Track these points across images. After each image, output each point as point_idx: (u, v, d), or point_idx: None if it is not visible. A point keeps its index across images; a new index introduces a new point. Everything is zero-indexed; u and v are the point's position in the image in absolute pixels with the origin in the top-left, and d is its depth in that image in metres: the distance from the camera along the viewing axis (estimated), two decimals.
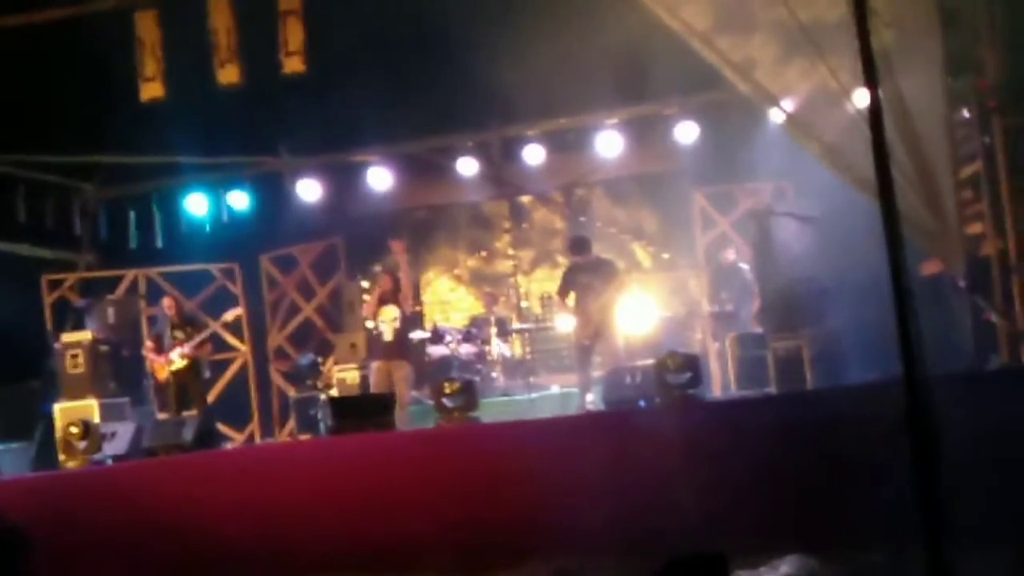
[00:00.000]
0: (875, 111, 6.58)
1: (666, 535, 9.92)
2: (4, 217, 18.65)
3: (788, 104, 11.76)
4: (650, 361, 13.34)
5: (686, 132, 17.90)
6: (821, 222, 14.58)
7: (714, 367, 17.55)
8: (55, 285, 19.51)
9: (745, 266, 17.34)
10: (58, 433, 14.97)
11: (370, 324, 16.24)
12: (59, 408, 16.12)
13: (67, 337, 16.97)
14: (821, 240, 14.52)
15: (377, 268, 19.54)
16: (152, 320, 18.49)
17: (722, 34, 11.63)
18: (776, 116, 12.56)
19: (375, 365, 15.34)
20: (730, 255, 17.77)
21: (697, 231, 18.80)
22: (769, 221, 14.82)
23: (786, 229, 14.68)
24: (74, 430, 13.93)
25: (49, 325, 18.94)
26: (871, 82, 6.67)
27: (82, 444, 13.85)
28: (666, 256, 20.38)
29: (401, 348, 15.32)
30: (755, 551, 9.88)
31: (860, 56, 6.74)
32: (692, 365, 12.57)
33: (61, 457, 14.20)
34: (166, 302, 16.70)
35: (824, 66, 10.80)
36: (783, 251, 14.58)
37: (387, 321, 15.25)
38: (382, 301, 15.38)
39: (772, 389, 14.14)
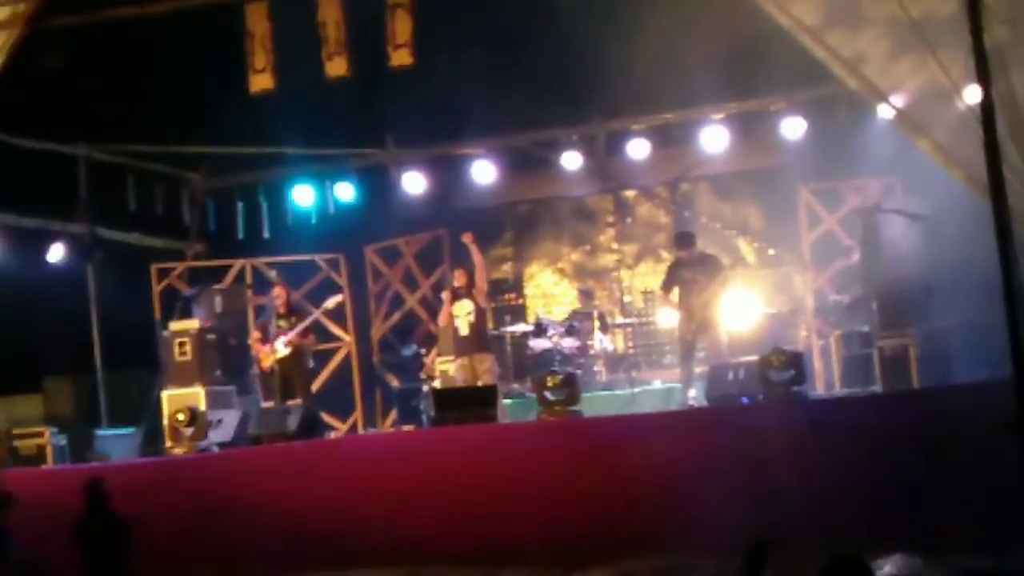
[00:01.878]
0: (987, 108, 6.52)
1: (767, 531, 9.86)
2: (115, 206, 18.95)
3: (898, 100, 11.64)
4: (753, 358, 13.28)
5: (793, 127, 17.72)
6: (929, 220, 14.41)
7: (818, 365, 17.39)
8: (164, 274, 19.76)
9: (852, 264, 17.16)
10: (165, 420, 15.19)
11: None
12: (166, 395, 16.33)
13: (175, 325, 17.16)
14: (929, 238, 14.35)
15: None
16: (259, 309, 18.67)
17: (832, 29, 11.54)
18: (885, 112, 12.45)
19: (458, 362, 15.34)
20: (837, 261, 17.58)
21: (803, 227, 18.61)
22: (877, 218, 14.67)
23: (894, 227, 14.51)
24: (181, 417, 14.13)
25: (157, 313, 19.19)
26: (983, 79, 6.61)
27: (188, 431, 14.04)
28: (771, 252, 20.21)
29: (480, 341, 15.28)
30: (859, 550, 9.79)
31: (972, 52, 6.66)
32: (796, 362, 12.50)
33: (168, 443, 14.41)
34: (276, 291, 16.86)
35: (935, 62, 10.68)
36: (891, 249, 14.42)
37: (462, 316, 15.19)
38: (456, 296, 15.35)
39: (877, 388, 13.99)
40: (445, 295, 15.68)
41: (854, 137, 16.49)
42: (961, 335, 13.46)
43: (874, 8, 11.42)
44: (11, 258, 17.61)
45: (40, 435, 14.92)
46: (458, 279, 15.47)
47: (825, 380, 16.95)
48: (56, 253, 18.46)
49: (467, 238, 15.52)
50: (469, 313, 15.11)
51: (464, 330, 15.15)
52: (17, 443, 14.55)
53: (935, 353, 13.54)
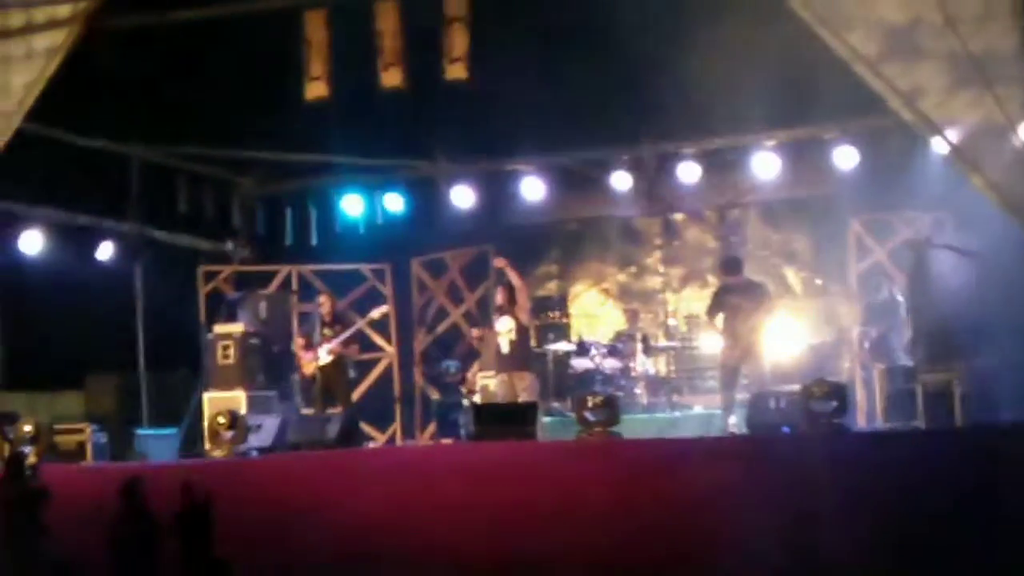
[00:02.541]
0: None
1: (804, 565, 9.81)
2: (165, 207, 19.07)
3: (952, 134, 11.55)
4: (796, 387, 13.20)
5: (845, 157, 17.65)
6: (980, 256, 14.29)
7: (860, 397, 17.29)
8: (211, 276, 19.87)
9: (900, 297, 17.04)
10: (206, 422, 15.24)
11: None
12: (208, 398, 16.42)
13: (219, 328, 17.25)
14: (979, 275, 14.23)
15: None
16: (303, 317, 18.73)
17: (889, 61, 11.46)
18: (939, 146, 12.36)
19: (498, 378, 15.33)
20: (883, 291, 17.42)
21: (851, 258, 18.53)
22: (927, 252, 14.56)
23: (944, 261, 14.40)
24: (221, 420, 14.17)
25: (202, 316, 19.28)
26: None
27: (228, 434, 14.09)
28: (818, 282, 20.10)
29: (520, 359, 15.24)
30: None
31: None
32: (838, 394, 12.43)
33: (207, 446, 14.45)
34: (321, 299, 16.91)
35: (992, 98, 10.61)
36: (939, 283, 14.30)
37: (503, 333, 15.19)
38: (500, 312, 15.36)
39: (920, 423, 13.89)
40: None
41: (906, 170, 16.41)
42: (1007, 374, 13.34)
43: (933, 41, 11.35)
44: (61, 255, 17.75)
45: (81, 432, 14.99)
46: (499, 297, 15.47)
47: (867, 413, 16.84)
48: (105, 251, 18.59)
49: (500, 263, 15.54)
50: (510, 331, 15.09)
51: (504, 347, 15.14)
52: (58, 439, 14.62)
53: (980, 391, 13.40)
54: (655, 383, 18.66)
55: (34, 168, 16.39)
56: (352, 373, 17.18)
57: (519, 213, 20.16)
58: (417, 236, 20.37)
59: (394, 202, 19.66)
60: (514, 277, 15.33)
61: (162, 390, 18.80)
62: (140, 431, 17.13)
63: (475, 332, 17.58)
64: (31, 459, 13.05)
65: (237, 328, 17.11)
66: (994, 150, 11.10)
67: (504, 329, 15.15)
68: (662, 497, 10.81)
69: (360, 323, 17.25)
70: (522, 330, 15.22)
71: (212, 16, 14.37)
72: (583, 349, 18.32)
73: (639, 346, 18.35)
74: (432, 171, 19.76)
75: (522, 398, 14.71)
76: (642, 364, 18.36)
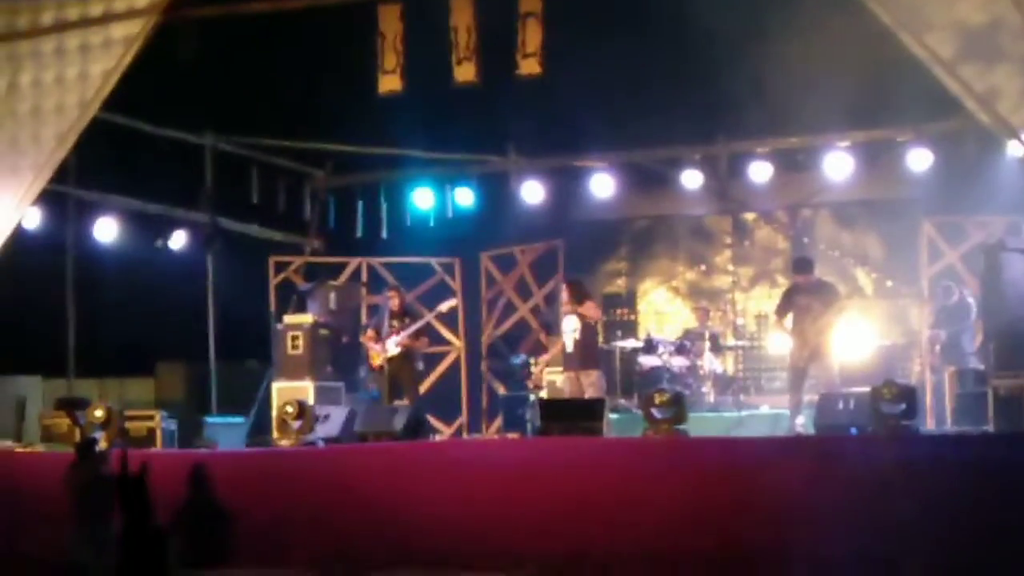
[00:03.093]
0: None
1: (871, 568, 9.76)
2: (238, 198, 19.23)
3: None
4: (865, 389, 13.11)
5: (919, 159, 17.52)
6: None
7: (930, 400, 17.16)
8: (281, 267, 20.02)
9: (972, 300, 16.91)
10: (274, 411, 15.34)
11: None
12: (277, 387, 16.54)
13: (289, 319, 17.38)
14: None
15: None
16: (372, 309, 18.81)
17: (966, 63, 11.36)
18: (1015, 149, 12.26)
19: (566, 375, 15.38)
20: (954, 295, 17.28)
21: (923, 261, 18.42)
22: (1000, 256, 14.41)
23: (1017, 266, 14.25)
24: (290, 410, 14.24)
25: (272, 306, 19.42)
26: None
27: (296, 424, 14.14)
28: (889, 284, 19.98)
29: (585, 358, 15.22)
30: None
31: None
32: (908, 396, 12.33)
33: (275, 435, 14.54)
34: (391, 292, 16.99)
35: None
36: (1013, 288, 14.16)
37: (568, 332, 15.22)
38: (565, 311, 15.39)
39: (990, 428, 13.77)
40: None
41: (981, 172, 16.29)
42: None
43: (1011, 43, 11.24)
44: (134, 243, 17.95)
45: (151, 418, 15.12)
46: (564, 295, 15.49)
47: (936, 416, 16.72)
48: (178, 240, 18.77)
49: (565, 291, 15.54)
50: (575, 330, 15.11)
51: (569, 346, 15.17)
52: (128, 424, 14.76)
53: None
54: (723, 382, 18.62)
55: (109, 157, 16.58)
56: (420, 366, 17.23)
57: (589, 209, 20.16)
58: (487, 230, 20.41)
59: (464, 196, 19.68)
60: (577, 307, 15.33)
61: (231, 379, 18.97)
62: (209, 419, 17.26)
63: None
64: (102, 444, 13.20)
65: (306, 319, 17.23)
66: None
67: (569, 328, 15.18)
68: (728, 496, 10.78)
69: (428, 316, 17.30)
70: (588, 329, 15.21)
71: (287, 8, 14.47)
72: (651, 346, 18.30)
73: (707, 344, 18.31)
74: (503, 166, 19.78)
75: (588, 395, 14.71)
76: (710, 363, 18.31)
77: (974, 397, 14.84)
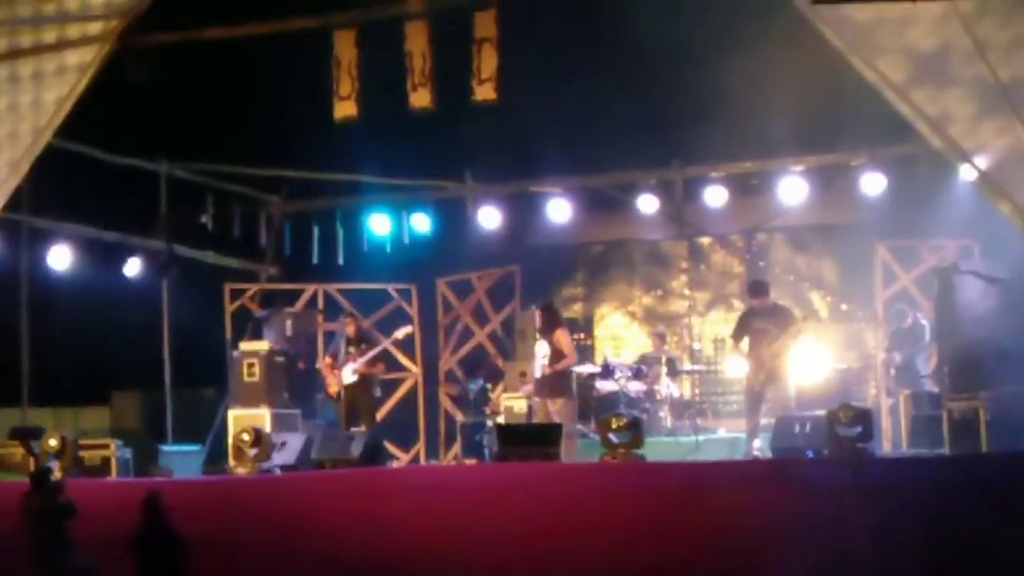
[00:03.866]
0: None
1: None
2: (193, 224, 19.15)
3: (981, 162, 11.53)
4: (821, 412, 13.16)
5: (873, 183, 17.60)
6: (1007, 283, 14.26)
7: (886, 423, 17.26)
8: (237, 294, 19.95)
9: (926, 323, 17.01)
10: (230, 439, 15.27)
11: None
12: (233, 415, 16.47)
13: (245, 346, 17.32)
14: (1006, 302, 14.20)
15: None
16: (329, 335, 18.77)
17: (918, 87, 11.45)
18: (967, 173, 12.35)
19: (534, 400, 15.51)
20: (908, 318, 17.38)
21: (877, 284, 18.52)
22: (953, 279, 14.52)
23: (970, 289, 14.36)
24: (246, 437, 14.18)
25: (228, 333, 19.35)
26: None
27: (253, 451, 14.08)
28: (844, 307, 20.09)
29: (553, 384, 15.31)
30: None
31: None
32: (864, 419, 12.37)
33: (231, 462, 14.47)
34: (347, 319, 16.97)
35: (1021, 125, 10.59)
36: (966, 311, 14.27)
37: (539, 357, 15.31)
38: (539, 335, 15.46)
39: (945, 450, 13.85)
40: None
41: (934, 197, 16.41)
42: None
43: (962, 68, 11.33)
44: (88, 270, 17.84)
45: (106, 447, 15.02)
46: (539, 320, 15.57)
47: (892, 439, 16.80)
48: (133, 268, 18.66)
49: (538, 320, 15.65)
50: (545, 355, 15.21)
51: (538, 372, 15.25)
52: (83, 453, 14.65)
53: (1006, 418, 13.34)
54: (680, 406, 18.66)
55: (63, 184, 16.49)
56: (377, 392, 17.20)
57: (546, 235, 20.17)
58: (443, 256, 20.42)
59: (421, 222, 19.68)
60: (540, 327, 15.47)
61: (187, 407, 18.88)
62: (165, 447, 17.16)
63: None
64: (56, 474, 13.10)
65: (263, 346, 17.17)
66: (1022, 177, 11.07)
67: (540, 354, 15.27)
68: (685, 520, 10.78)
69: (385, 343, 17.28)
70: (558, 355, 15.27)
71: (242, 35, 14.45)
72: (608, 371, 18.32)
73: (664, 369, 18.35)
74: (459, 192, 19.79)
75: (555, 420, 14.79)
76: (667, 387, 18.36)
77: (929, 420, 14.92)
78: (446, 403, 20.31)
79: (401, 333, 17.25)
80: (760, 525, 10.38)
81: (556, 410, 15.04)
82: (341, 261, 20.02)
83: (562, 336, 15.41)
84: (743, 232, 20.71)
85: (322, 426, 17.16)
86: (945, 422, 13.95)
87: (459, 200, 19.78)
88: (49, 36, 14.05)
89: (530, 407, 16.79)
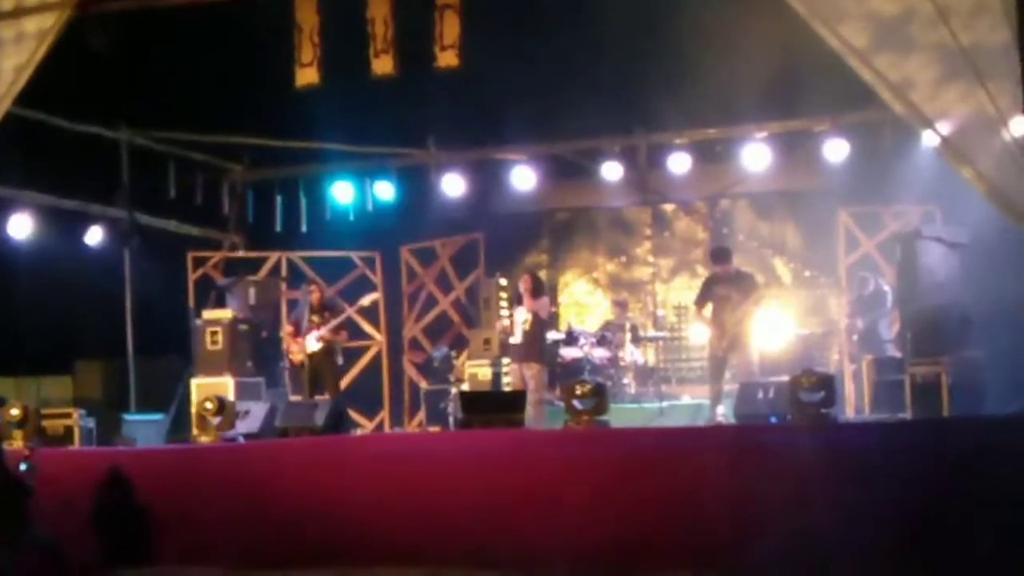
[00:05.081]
0: None
1: (791, 554, 9.82)
2: (155, 193, 19.05)
3: (943, 127, 11.51)
4: (784, 378, 13.20)
5: (836, 150, 17.65)
6: (969, 249, 14.33)
7: (849, 389, 17.35)
8: (200, 263, 19.89)
9: (887, 288, 17.08)
10: (193, 408, 15.21)
11: (505, 322, 16.36)
12: (196, 383, 16.42)
13: (208, 314, 17.24)
14: (968, 267, 14.27)
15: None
16: (292, 303, 18.73)
17: (880, 53, 11.42)
18: (929, 139, 12.35)
19: (510, 367, 15.60)
20: (870, 284, 17.44)
21: (840, 250, 18.59)
22: (915, 245, 14.57)
23: (932, 254, 14.42)
24: (209, 406, 14.12)
25: (191, 302, 19.29)
26: None
27: (216, 420, 14.02)
28: (807, 274, 20.14)
29: (530, 350, 15.46)
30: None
31: (1021, 83, 6.61)
32: (827, 384, 12.40)
33: (194, 431, 14.42)
34: (311, 287, 16.93)
35: (983, 91, 10.61)
36: (928, 276, 14.33)
37: (518, 323, 15.44)
38: (517, 301, 15.56)
39: (907, 415, 13.92)
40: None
41: (897, 162, 16.44)
42: (995, 366, 13.38)
43: (924, 34, 11.32)
44: (49, 239, 17.71)
45: (68, 416, 14.94)
46: (523, 284, 15.71)
47: (855, 404, 16.89)
48: (94, 236, 18.56)
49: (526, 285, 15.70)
50: (525, 322, 15.41)
51: (518, 337, 15.37)
52: (45, 423, 14.58)
53: (968, 383, 13.44)
54: (643, 373, 18.72)
55: (23, 152, 16.33)
56: (340, 360, 17.17)
57: (509, 202, 20.16)
58: (407, 224, 20.41)
59: (384, 190, 19.64)
60: (529, 299, 15.52)
61: (150, 376, 18.79)
62: (128, 416, 17.10)
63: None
64: (17, 443, 13.05)
65: (226, 314, 17.09)
66: (984, 143, 11.08)
67: (520, 320, 15.42)
68: (649, 486, 10.81)
69: (349, 311, 17.27)
70: (537, 322, 15.39)
71: (203, 1, 14.33)
72: (572, 338, 18.37)
73: (628, 336, 18.40)
74: (423, 159, 19.76)
75: (530, 387, 14.85)
76: (631, 354, 18.42)
77: (892, 385, 15.01)
78: (410, 371, 20.32)
79: (366, 300, 17.23)
80: (724, 491, 10.42)
81: (532, 375, 15.18)
82: (304, 229, 19.97)
83: (543, 302, 15.54)
84: (707, 199, 20.73)
85: (284, 394, 17.13)
86: (907, 387, 14.04)
87: (422, 167, 19.76)
88: (8, 3, 13.86)
89: (495, 374, 16.85)
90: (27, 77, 13.84)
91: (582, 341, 18.16)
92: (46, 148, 16.89)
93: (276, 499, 11.77)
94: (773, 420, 12.74)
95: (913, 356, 14.28)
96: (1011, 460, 9.61)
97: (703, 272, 19.06)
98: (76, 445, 14.57)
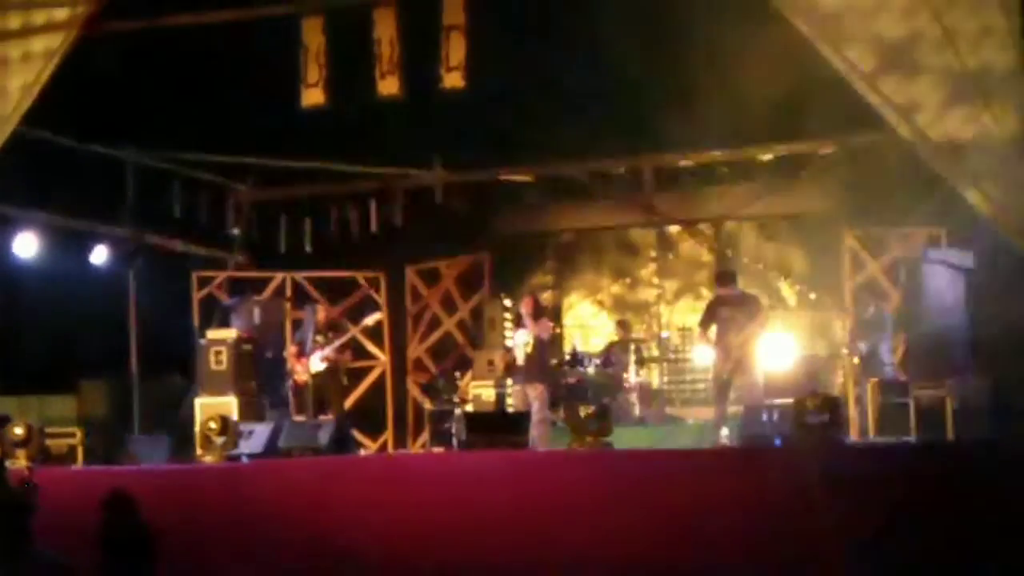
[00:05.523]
0: None
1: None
2: (160, 212, 19.04)
3: (949, 150, 11.55)
4: (789, 400, 13.19)
5: (841, 172, 17.64)
6: (974, 272, 14.31)
7: (853, 411, 17.29)
8: (205, 282, 19.84)
9: (887, 313, 17.07)
10: (197, 427, 15.20)
11: (509, 344, 16.36)
12: (200, 403, 16.37)
13: (212, 334, 17.20)
14: (973, 290, 14.26)
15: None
16: (296, 324, 18.72)
17: (886, 76, 11.45)
18: (935, 161, 12.36)
19: (513, 388, 15.55)
20: (870, 310, 17.43)
21: (845, 273, 18.54)
22: (921, 268, 14.58)
23: (938, 277, 14.42)
24: (213, 425, 14.11)
25: (196, 321, 19.26)
26: None
27: (219, 440, 14.02)
28: (812, 296, 20.12)
29: (533, 371, 15.34)
30: None
31: None
32: (831, 407, 12.40)
33: (198, 451, 14.41)
34: (315, 307, 16.93)
35: (989, 114, 10.62)
36: (933, 299, 14.34)
37: (519, 345, 15.36)
38: (518, 324, 15.51)
39: (912, 438, 13.90)
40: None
41: (902, 185, 16.42)
42: (1000, 390, 13.35)
43: (930, 57, 11.34)
44: (55, 258, 17.71)
45: (72, 435, 14.93)
46: (524, 307, 15.64)
47: (860, 427, 16.84)
48: (99, 255, 18.54)
49: (527, 307, 15.64)
50: (527, 344, 15.26)
51: (520, 359, 15.30)
52: (49, 442, 14.57)
53: (972, 406, 13.42)
54: (648, 395, 18.68)
55: (29, 171, 16.35)
56: (345, 380, 17.16)
57: (515, 222, 20.16)
58: (412, 244, 20.37)
59: (389, 210, 19.63)
60: (530, 323, 15.48)
61: (154, 395, 18.76)
62: (132, 435, 17.07)
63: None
64: (21, 462, 13.04)
65: (230, 334, 17.07)
66: (989, 165, 11.10)
67: (521, 341, 15.31)
68: (653, 508, 10.78)
69: (354, 331, 17.25)
70: (539, 343, 15.34)
71: (209, 21, 14.36)
72: (576, 360, 18.34)
73: (632, 358, 18.37)
74: (428, 179, 19.75)
75: (534, 408, 14.84)
76: (635, 376, 18.38)
77: (896, 408, 14.96)
78: (414, 391, 20.29)
79: (370, 320, 17.24)
80: (729, 513, 10.39)
81: (536, 395, 15.11)
82: (309, 249, 19.96)
83: (545, 323, 15.49)
84: (712, 221, 20.72)
85: (288, 414, 17.11)
86: (912, 410, 14.01)
87: (428, 188, 19.74)
88: (14, 23, 13.91)
89: (499, 395, 16.85)
90: (34, 96, 13.88)
91: (586, 363, 18.14)
92: (52, 167, 16.89)
93: (279, 519, 11.75)
94: (778, 442, 12.72)
95: (919, 379, 14.26)
96: (1016, 484, 9.59)
97: (708, 294, 19.04)
98: (79, 464, 14.55)
